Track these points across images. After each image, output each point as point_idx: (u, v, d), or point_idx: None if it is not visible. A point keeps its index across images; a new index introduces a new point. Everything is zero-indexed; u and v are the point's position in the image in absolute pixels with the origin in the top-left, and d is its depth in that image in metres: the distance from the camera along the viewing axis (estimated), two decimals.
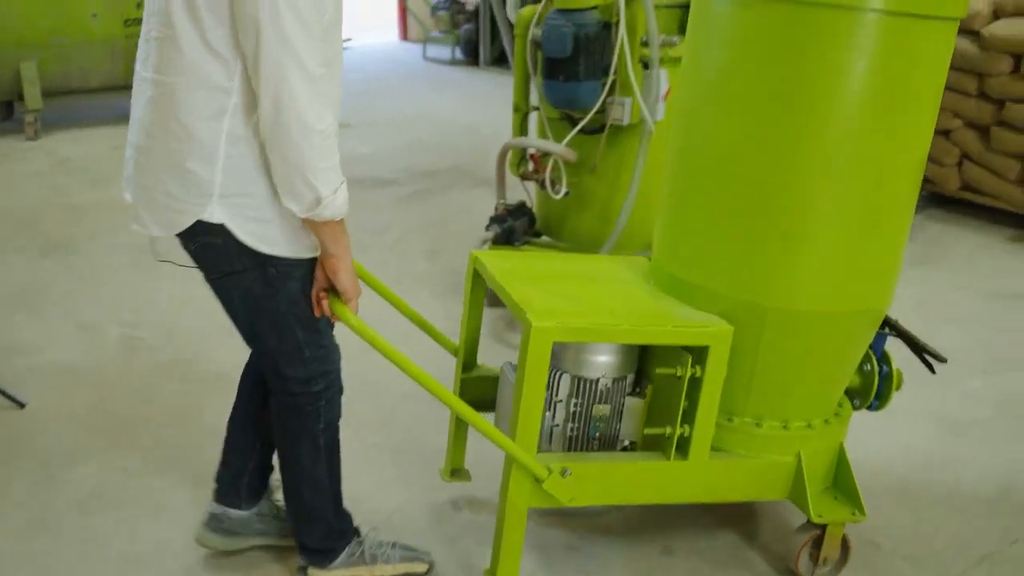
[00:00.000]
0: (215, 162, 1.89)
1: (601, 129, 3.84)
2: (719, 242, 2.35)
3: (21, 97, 7.13)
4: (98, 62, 7.39)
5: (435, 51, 11.54)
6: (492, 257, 2.57)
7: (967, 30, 5.23)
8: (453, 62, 11.17)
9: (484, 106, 8.55)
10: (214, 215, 1.93)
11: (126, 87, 7.62)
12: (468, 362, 2.69)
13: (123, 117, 8.17)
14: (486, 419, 2.23)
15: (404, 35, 12.96)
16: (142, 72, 1.96)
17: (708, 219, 2.37)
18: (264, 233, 1.97)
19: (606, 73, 3.72)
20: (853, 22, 2.11)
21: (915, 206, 2.44)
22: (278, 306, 2.07)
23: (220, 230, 1.95)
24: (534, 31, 3.87)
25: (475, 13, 11.08)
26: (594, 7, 3.66)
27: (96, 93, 7.64)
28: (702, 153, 2.38)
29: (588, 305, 2.33)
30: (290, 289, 2.06)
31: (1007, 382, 3.68)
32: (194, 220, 1.94)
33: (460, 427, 2.72)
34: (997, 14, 5.23)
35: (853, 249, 2.31)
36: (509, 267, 2.49)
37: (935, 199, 5.66)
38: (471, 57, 11.07)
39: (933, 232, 5.26)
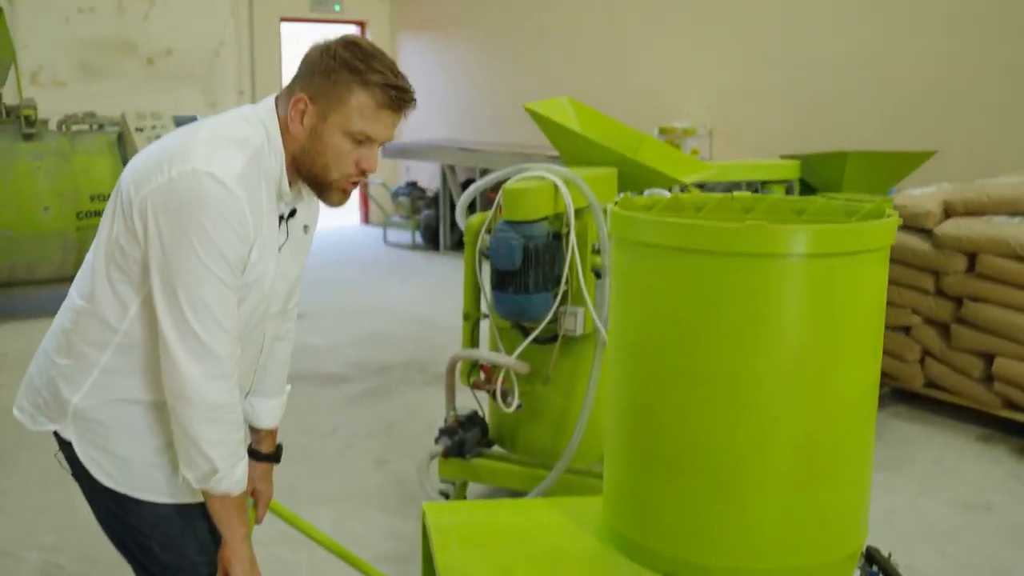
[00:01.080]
0: (81, 387, 1.95)
1: (554, 339, 3.71)
2: (652, 495, 2.18)
3: None
4: (48, 254, 7.28)
5: (396, 235, 11.59)
6: (437, 512, 2.38)
7: (920, 228, 5.26)
8: (413, 247, 11.20)
9: (442, 293, 8.48)
10: (67, 431, 1.99)
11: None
12: None
13: None
14: None
15: (365, 219, 13.06)
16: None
17: (639, 470, 2.22)
18: (105, 464, 1.98)
19: (557, 283, 3.62)
20: (775, 268, 2.03)
21: (874, 432, 2.29)
22: (130, 534, 2.04)
23: (70, 447, 2.00)
24: (484, 238, 3.79)
25: (435, 199, 11.19)
26: (543, 218, 3.59)
27: (45, 285, 7.48)
28: (632, 403, 2.25)
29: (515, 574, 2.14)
30: (136, 527, 2.02)
31: None
32: (52, 429, 2.02)
33: None
34: (948, 213, 5.27)
35: (803, 495, 2.13)
36: (450, 524, 2.30)
37: (900, 396, 5.55)
38: (431, 242, 11.11)
39: (899, 432, 5.12)
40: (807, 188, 5.18)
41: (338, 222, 12.89)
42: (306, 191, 2.05)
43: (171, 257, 1.79)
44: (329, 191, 1.97)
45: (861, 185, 4.93)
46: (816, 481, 2.15)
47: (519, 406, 3.77)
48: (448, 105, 11.90)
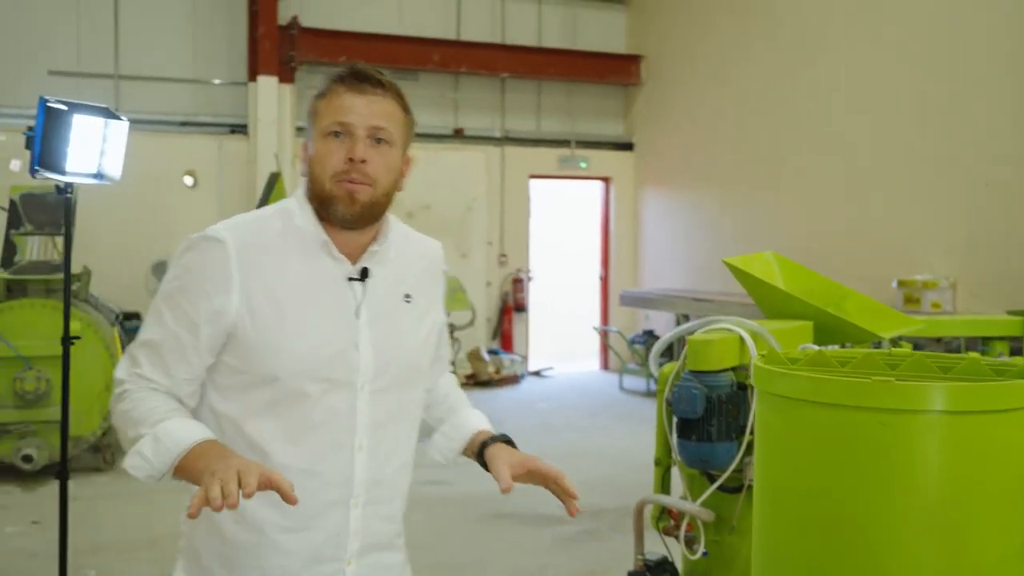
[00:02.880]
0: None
1: (740, 488, 3.74)
2: None
3: None
4: None
5: (631, 382, 11.77)
6: None
7: None
8: (648, 394, 11.31)
9: None
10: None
11: None
12: None
13: None
14: None
15: (604, 365, 13.33)
16: None
17: None
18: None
19: (742, 433, 3.67)
20: (903, 424, 2.07)
21: None
22: None
23: None
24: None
25: (670, 347, 11.31)
26: (728, 368, 3.68)
27: None
28: (771, 549, 2.30)
29: None
30: None
31: None
32: None
33: None
34: None
35: None
36: None
37: None
38: None
39: None
40: None
41: (577, 368, 13.25)
42: (394, 255, 2.01)
43: None
44: (331, 201, 1.89)
45: None
46: None
47: (704, 553, 3.79)
48: (686, 255, 12.13)
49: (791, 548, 2.28)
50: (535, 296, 13.09)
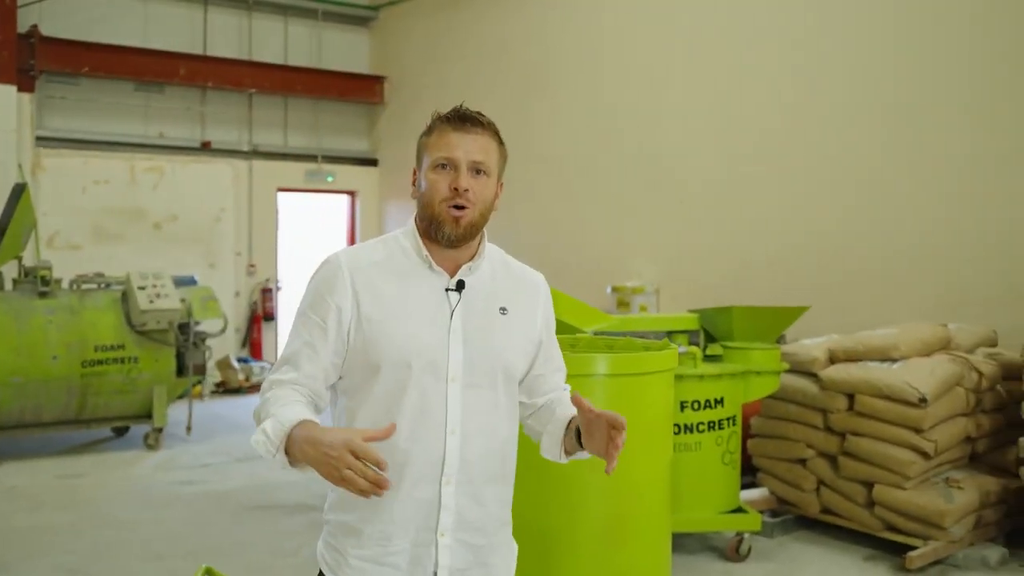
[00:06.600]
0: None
1: None
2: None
3: None
4: (54, 399, 8.02)
5: None
6: None
7: (809, 372, 6.08)
8: None
9: None
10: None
11: (78, 421, 8.24)
12: None
13: (72, 448, 8.59)
14: None
15: None
16: None
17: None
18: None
19: None
20: (589, 384, 2.87)
21: (668, 506, 3.07)
22: None
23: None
24: None
25: None
26: None
27: (50, 426, 8.21)
28: None
29: None
30: None
31: None
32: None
33: None
34: (832, 359, 6.10)
35: (611, 555, 2.92)
36: None
37: (801, 522, 6.25)
38: None
39: (792, 552, 5.81)
40: (711, 337, 6.03)
41: None
42: (491, 273, 2.32)
43: None
44: (439, 223, 2.21)
45: (750, 334, 5.78)
46: (621, 544, 2.95)
47: None
48: None
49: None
50: (284, 305, 13.44)
